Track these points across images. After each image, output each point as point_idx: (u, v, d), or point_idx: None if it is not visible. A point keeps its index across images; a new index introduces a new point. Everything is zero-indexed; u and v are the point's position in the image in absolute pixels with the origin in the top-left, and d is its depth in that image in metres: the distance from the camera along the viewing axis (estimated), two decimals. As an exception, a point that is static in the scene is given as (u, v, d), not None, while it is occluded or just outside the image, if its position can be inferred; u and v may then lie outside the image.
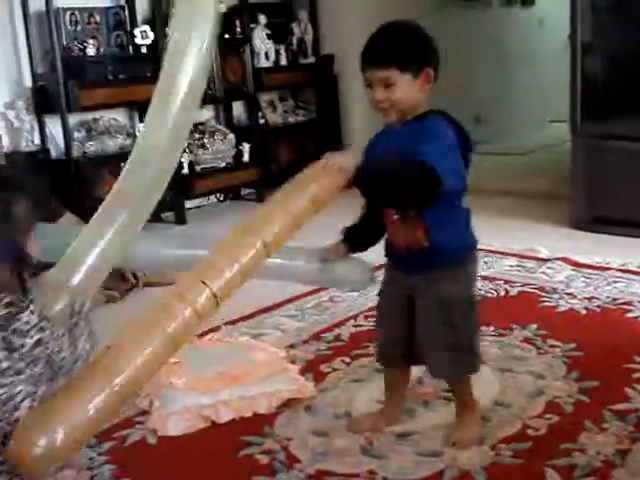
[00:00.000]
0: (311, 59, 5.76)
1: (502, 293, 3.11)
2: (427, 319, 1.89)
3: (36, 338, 1.30)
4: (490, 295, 3.09)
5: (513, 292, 3.11)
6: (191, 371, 2.32)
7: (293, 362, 2.51)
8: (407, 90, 1.78)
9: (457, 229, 1.89)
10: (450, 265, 1.87)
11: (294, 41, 5.73)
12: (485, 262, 3.49)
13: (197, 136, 5.03)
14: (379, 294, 2.05)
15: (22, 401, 1.31)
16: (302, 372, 2.43)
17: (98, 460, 2.02)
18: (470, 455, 1.92)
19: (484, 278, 3.26)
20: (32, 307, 1.31)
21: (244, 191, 5.53)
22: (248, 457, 1.99)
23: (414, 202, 1.78)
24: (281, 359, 2.49)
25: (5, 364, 1.28)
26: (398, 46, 1.80)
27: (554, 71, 6.54)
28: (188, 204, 5.05)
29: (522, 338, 2.62)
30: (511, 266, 3.44)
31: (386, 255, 1.98)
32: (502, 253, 3.62)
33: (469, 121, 6.73)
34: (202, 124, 5.13)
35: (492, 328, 2.70)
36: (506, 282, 3.22)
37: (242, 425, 2.15)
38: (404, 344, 1.96)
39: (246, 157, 5.26)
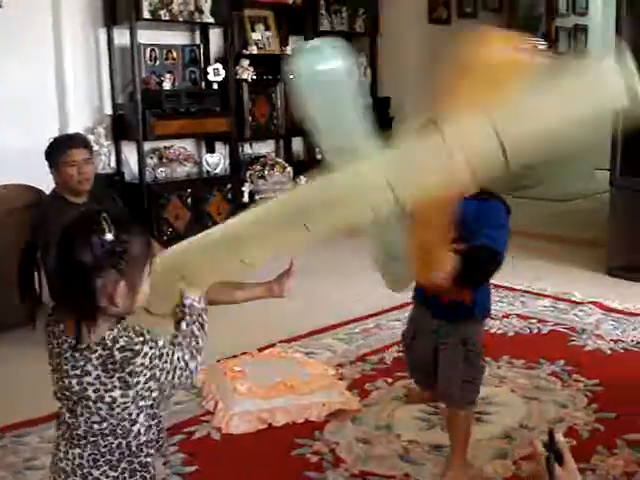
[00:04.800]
0: (369, 101, 6.10)
1: (535, 330, 3.37)
2: (449, 354, 2.17)
3: (149, 375, 1.39)
4: (523, 332, 3.35)
5: (545, 330, 3.37)
6: (252, 379, 2.64)
7: (341, 379, 2.81)
8: None
9: (487, 293, 2.23)
10: (474, 318, 2.20)
11: (353, 83, 6.09)
12: (522, 301, 3.78)
13: (258, 167, 5.39)
14: (409, 329, 2.40)
15: (138, 415, 1.44)
16: (349, 388, 2.73)
17: (169, 449, 2.34)
18: (495, 467, 2.19)
19: (519, 316, 3.54)
20: (145, 350, 1.38)
21: (298, 221, 5.85)
22: (300, 456, 2.29)
23: (477, 280, 2.08)
24: (331, 375, 2.79)
25: (122, 400, 1.40)
26: None
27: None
28: (246, 230, 5.39)
29: (550, 372, 2.88)
30: (545, 306, 3.70)
31: (418, 302, 2.31)
32: (538, 294, 3.88)
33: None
34: (263, 157, 5.50)
35: (523, 361, 2.97)
36: (539, 321, 3.48)
37: (295, 429, 2.45)
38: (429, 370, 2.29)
39: (302, 189, 5.58)
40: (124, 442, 1.44)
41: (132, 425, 1.44)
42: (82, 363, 1.38)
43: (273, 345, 3.14)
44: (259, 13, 5.48)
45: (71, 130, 4.46)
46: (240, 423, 2.45)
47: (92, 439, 1.42)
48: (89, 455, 1.42)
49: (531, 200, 6.81)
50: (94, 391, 1.38)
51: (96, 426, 1.41)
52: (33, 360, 3.09)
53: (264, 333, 3.32)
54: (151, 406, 1.48)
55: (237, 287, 4.01)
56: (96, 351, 1.37)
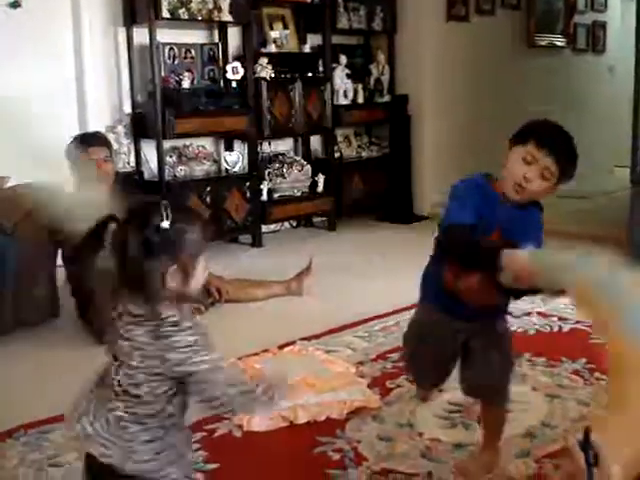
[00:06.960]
0: (386, 98, 6.10)
1: (556, 329, 3.36)
2: (480, 350, 2.06)
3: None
4: (544, 330, 3.34)
5: (566, 328, 3.35)
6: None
7: (362, 377, 2.81)
8: (546, 190, 1.99)
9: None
10: (501, 316, 2.13)
11: (371, 81, 6.09)
12: (542, 299, 3.75)
13: (277, 166, 5.40)
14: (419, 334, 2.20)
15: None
16: (370, 386, 2.73)
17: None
18: (517, 466, 2.19)
19: (540, 314, 3.53)
20: (191, 332, 1.45)
21: (316, 219, 5.87)
22: (322, 454, 2.29)
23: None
24: (352, 373, 2.79)
25: None
26: (573, 159, 2.06)
27: (622, 116, 6.76)
28: (264, 228, 5.40)
29: (571, 370, 2.87)
30: (565, 304, 3.67)
31: (439, 309, 2.07)
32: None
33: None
34: (282, 155, 5.51)
35: (544, 359, 2.96)
36: (560, 319, 3.46)
37: (317, 427, 2.45)
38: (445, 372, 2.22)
39: (320, 187, 5.59)
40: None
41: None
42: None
43: (293, 343, 3.15)
44: (277, 11, 5.50)
45: (91, 129, 4.49)
46: (261, 421, 2.45)
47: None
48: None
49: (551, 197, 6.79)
50: None
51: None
52: (57, 356, 3.14)
53: (284, 331, 3.33)
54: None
55: (257, 285, 4.07)
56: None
